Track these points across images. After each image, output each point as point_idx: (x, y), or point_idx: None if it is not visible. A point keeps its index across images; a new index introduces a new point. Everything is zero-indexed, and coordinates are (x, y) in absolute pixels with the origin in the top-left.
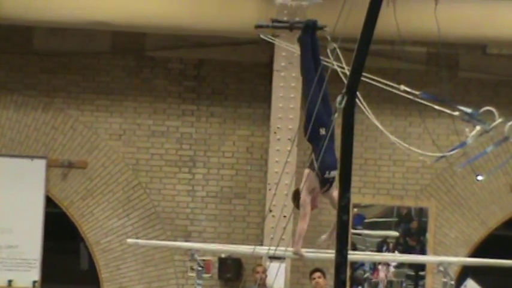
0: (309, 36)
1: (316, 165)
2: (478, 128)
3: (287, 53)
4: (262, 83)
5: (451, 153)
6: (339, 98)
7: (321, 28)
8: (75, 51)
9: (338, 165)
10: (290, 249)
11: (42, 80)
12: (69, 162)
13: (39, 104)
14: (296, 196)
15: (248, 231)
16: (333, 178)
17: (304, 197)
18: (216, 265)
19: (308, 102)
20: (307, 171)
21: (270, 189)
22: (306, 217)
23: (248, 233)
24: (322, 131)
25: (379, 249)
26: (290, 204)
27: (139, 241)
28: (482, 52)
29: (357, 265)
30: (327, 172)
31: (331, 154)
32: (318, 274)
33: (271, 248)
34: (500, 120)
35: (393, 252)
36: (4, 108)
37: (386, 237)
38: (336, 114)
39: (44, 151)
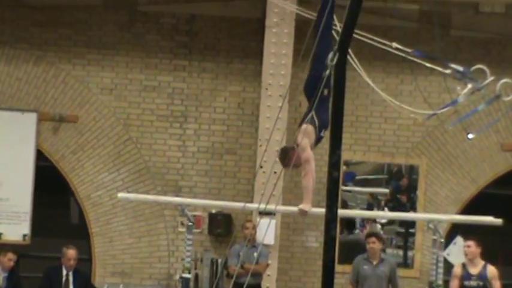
0: None
1: (317, 122)
2: (469, 86)
3: (279, 9)
4: (254, 39)
5: (443, 111)
6: (330, 55)
7: None
8: (67, 4)
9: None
10: (280, 207)
11: (34, 33)
12: (60, 116)
13: (31, 57)
14: (285, 154)
15: (239, 186)
16: (322, 138)
17: (309, 152)
18: (206, 220)
19: (319, 61)
20: (309, 127)
21: (260, 145)
22: (313, 172)
23: (239, 189)
24: (326, 92)
25: (370, 207)
26: None
27: (130, 195)
28: (475, 10)
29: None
30: (323, 131)
31: (328, 114)
32: (372, 239)
33: (262, 203)
34: (491, 78)
35: (383, 209)
36: None
37: (377, 194)
38: (328, 71)
39: (35, 105)
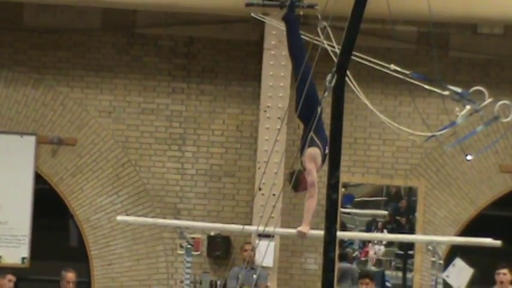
0: (294, 13)
1: (319, 142)
2: (467, 107)
3: (277, 32)
4: (252, 61)
5: (441, 132)
6: (329, 77)
7: (312, 6)
8: (65, 27)
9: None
10: (279, 229)
11: (32, 56)
12: (58, 139)
13: (29, 80)
14: (294, 176)
15: (237, 209)
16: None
17: (314, 175)
18: (205, 243)
19: (300, 80)
20: (314, 150)
21: (259, 168)
22: (316, 196)
23: (237, 211)
24: (319, 110)
25: (368, 228)
26: (279, 183)
27: (129, 218)
28: (473, 32)
29: (346, 244)
30: (326, 148)
31: (324, 129)
32: (366, 280)
33: (260, 226)
34: (490, 100)
35: (382, 231)
36: None
37: (376, 216)
38: (326, 93)
39: (33, 128)
